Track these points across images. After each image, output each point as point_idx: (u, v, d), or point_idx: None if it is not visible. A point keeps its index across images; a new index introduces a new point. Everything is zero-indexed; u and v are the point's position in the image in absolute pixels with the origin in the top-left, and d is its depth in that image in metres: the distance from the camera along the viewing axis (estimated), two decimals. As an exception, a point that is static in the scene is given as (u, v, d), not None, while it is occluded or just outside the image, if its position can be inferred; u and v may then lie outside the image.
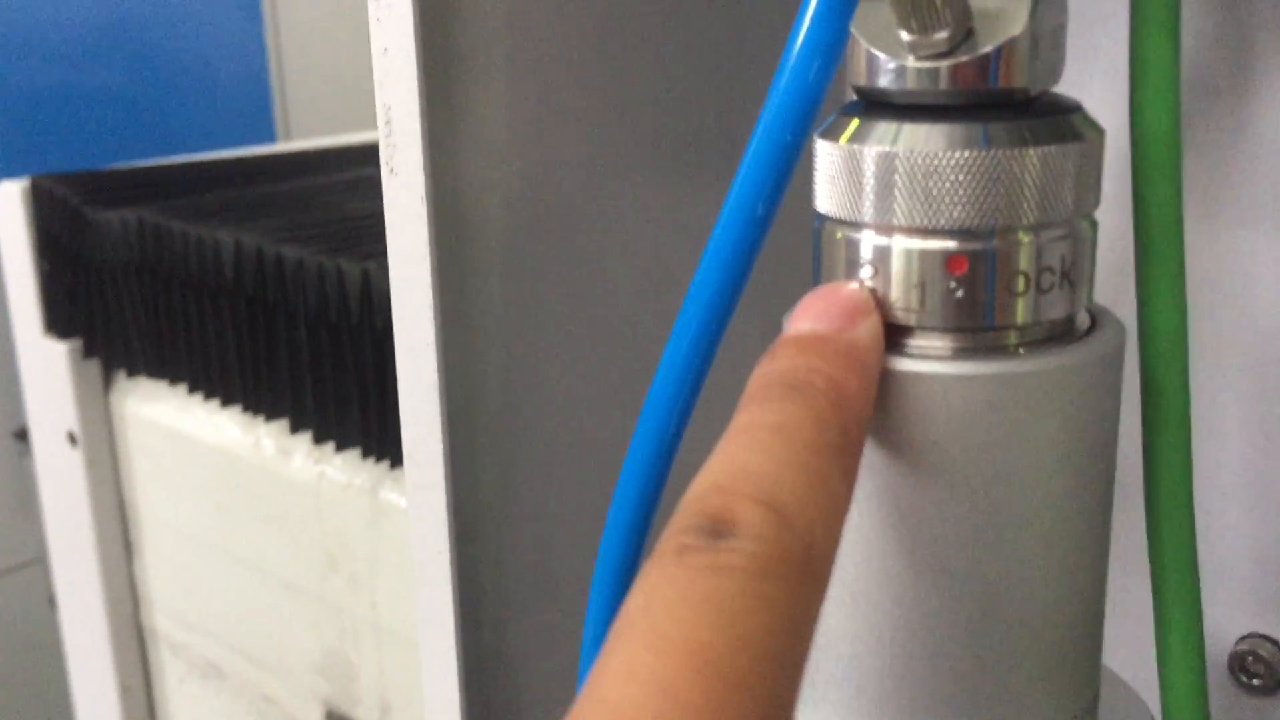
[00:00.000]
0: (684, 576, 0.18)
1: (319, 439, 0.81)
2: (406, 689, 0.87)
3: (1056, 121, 0.22)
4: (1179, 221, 0.24)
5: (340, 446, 0.81)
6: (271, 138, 1.29)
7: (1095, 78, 0.29)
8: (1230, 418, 0.30)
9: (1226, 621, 0.31)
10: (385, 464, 0.80)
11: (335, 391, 0.79)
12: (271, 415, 0.84)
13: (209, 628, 0.97)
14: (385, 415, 0.79)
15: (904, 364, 0.22)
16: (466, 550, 0.40)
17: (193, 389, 0.90)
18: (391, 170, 0.35)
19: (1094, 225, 0.23)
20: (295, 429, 0.83)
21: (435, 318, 0.35)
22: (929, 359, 0.22)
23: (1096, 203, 0.23)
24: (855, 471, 0.22)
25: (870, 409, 0.23)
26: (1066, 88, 0.24)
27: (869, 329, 0.23)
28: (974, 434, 0.22)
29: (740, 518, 0.19)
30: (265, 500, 0.88)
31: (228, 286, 0.83)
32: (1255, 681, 0.31)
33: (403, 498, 0.78)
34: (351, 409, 0.79)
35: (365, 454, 0.80)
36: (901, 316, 0.23)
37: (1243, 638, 0.31)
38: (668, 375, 0.30)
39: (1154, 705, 0.27)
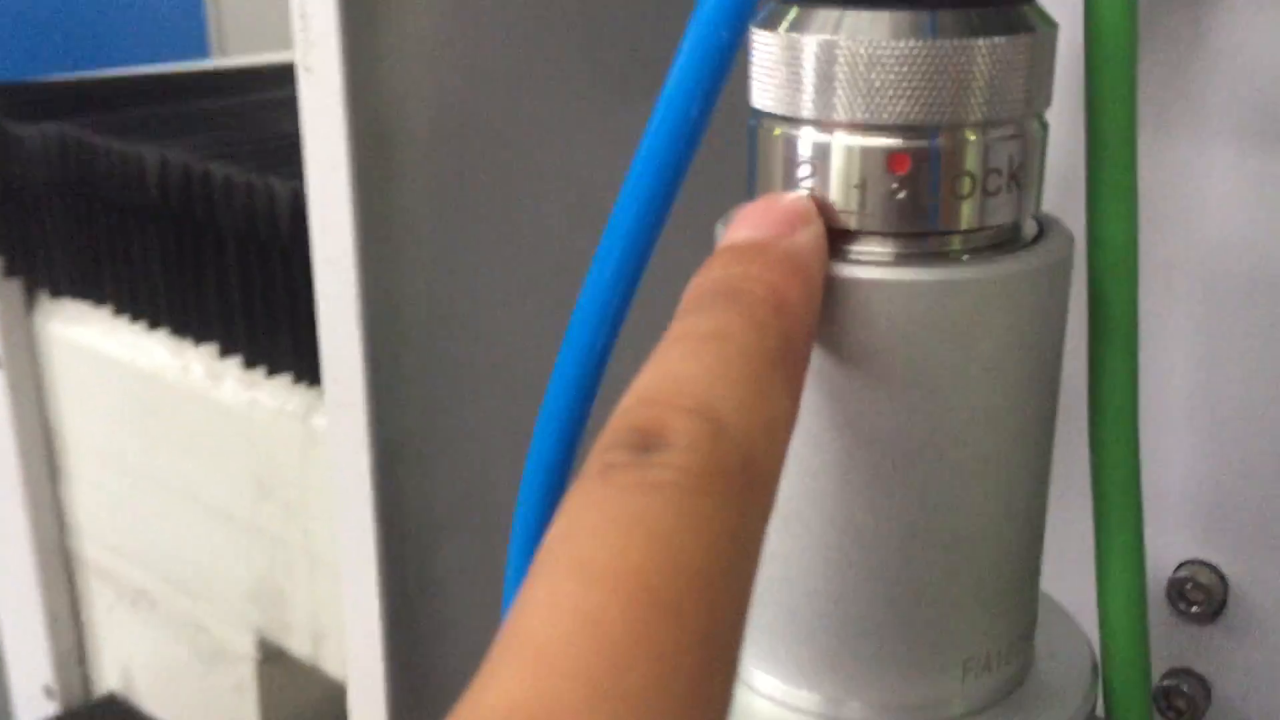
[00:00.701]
0: (610, 497, 0.17)
1: (250, 363, 0.79)
2: (340, 617, 0.85)
3: (1007, 12, 0.21)
4: (1132, 123, 0.23)
5: (272, 371, 0.79)
6: (205, 53, 1.25)
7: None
8: (1177, 339, 0.29)
9: (1166, 547, 0.30)
10: (317, 389, 0.78)
11: (266, 315, 0.77)
12: (200, 339, 0.82)
13: (138, 555, 0.95)
14: (318, 340, 0.77)
15: (842, 269, 0.21)
16: (391, 472, 0.38)
17: (119, 311, 0.87)
18: (307, 68, 0.33)
19: (1045, 126, 0.22)
20: (225, 353, 0.81)
21: (354, 226, 0.33)
22: (869, 264, 0.21)
23: (1048, 101, 0.22)
24: (800, 384, 0.20)
25: (814, 320, 0.21)
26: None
27: (811, 235, 0.21)
28: (914, 344, 0.21)
29: (670, 429, 0.17)
30: (195, 426, 0.86)
31: (153, 205, 0.80)
32: (1194, 609, 0.30)
33: (336, 424, 0.76)
34: (283, 333, 0.77)
35: (297, 379, 0.78)
36: (841, 219, 0.21)
37: (1182, 564, 0.30)
38: (596, 287, 0.28)
39: (1093, 632, 0.26)
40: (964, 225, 0.21)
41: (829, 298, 0.21)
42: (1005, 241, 0.22)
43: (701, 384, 0.18)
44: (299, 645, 0.86)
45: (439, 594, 0.41)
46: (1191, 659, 0.31)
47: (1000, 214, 0.21)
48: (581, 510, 0.17)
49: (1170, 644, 0.31)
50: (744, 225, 0.22)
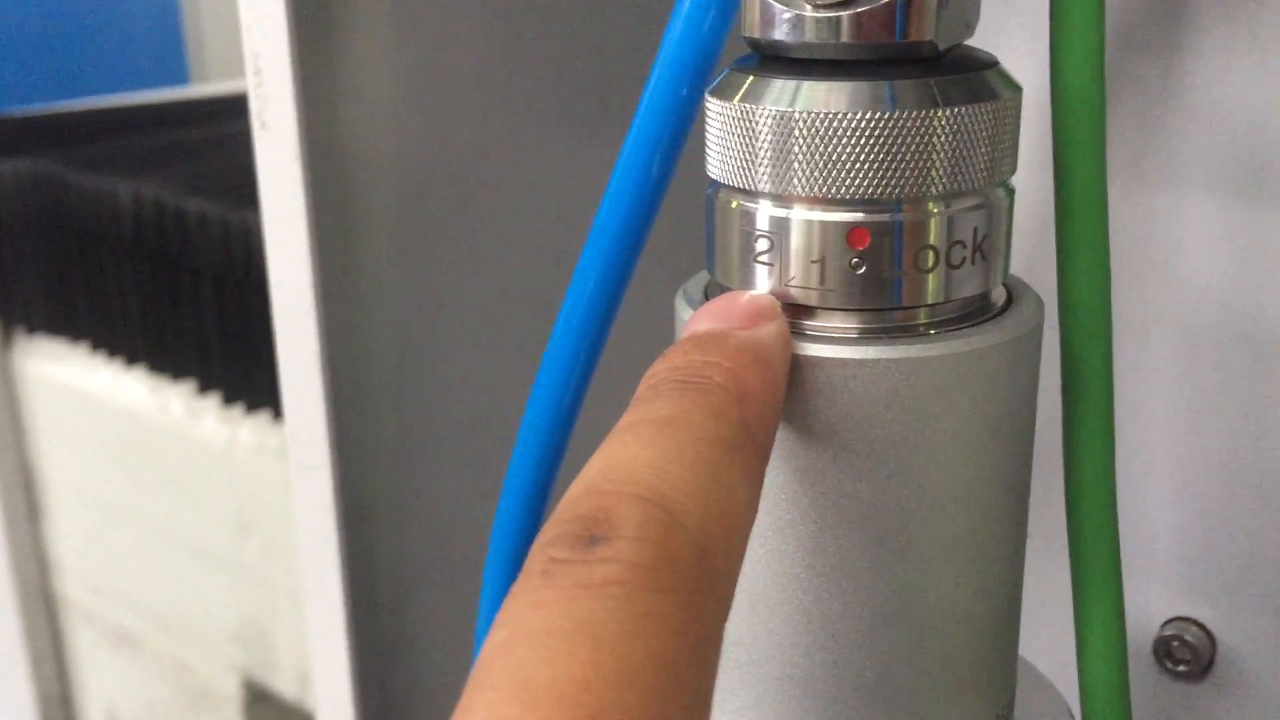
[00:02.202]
0: (552, 600, 0.15)
1: (228, 400, 0.78)
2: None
3: (969, 79, 0.20)
4: (1102, 185, 0.22)
5: (251, 408, 0.78)
6: (184, 79, 1.24)
7: (1018, 31, 0.26)
8: (1156, 394, 0.28)
9: (1151, 606, 0.30)
10: (297, 426, 0.77)
11: (244, 351, 0.76)
12: (178, 375, 0.81)
13: (120, 594, 0.94)
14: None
15: (805, 347, 0.20)
16: (360, 532, 0.37)
17: (95, 348, 0.86)
18: (263, 125, 0.32)
19: (1010, 193, 0.21)
20: (203, 390, 0.80)
21: (314, 286, 0.33)
22: (830, 342, 0.20)
23: (1013, 168, 0.21)
24: (761, 474, 0.19)
25: (777, 413, 0.20)
26: (985, 42, 0.22)
27: (773, 329, 0.20)
28: (880, 423, 0.20)
29: (618, 518, 0.16)
30: (174, 464, 0.85)
31: (128, 241, 0.79)
32: (1181, 668, 0.29)
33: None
34: (261, 369, 0.76)
35: (276, 415, 0.77)
36: (800, 295, 0.21)
37: (1168, 621, 0.29)
38: (560, 347, 0.28)
39: (1072, 697, 0.25)
40: (929, 299, 0.21)
41: (793, 377, 0.20)
42: (973, 313, 0.21)
43: (653, 470, 0.17)
44: (284, 685, 0.85)
45: (412, 650, 0.40)
46: (1181, 719, 0.30)
47: (966, 286, 0.21)
48: (522, 615, 0.15)
49: (1159, 703, 0.30)
50: (704, 318, 0.20)
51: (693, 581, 0.16)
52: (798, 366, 0.20)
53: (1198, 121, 0.26)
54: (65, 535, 0.97)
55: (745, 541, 0.18)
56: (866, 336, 0.20)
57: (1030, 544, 0.26)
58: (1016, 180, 0.22)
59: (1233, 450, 0.28)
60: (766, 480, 0.21)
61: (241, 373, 0.77)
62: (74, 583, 0.98)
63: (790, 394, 0.20)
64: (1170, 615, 0.30)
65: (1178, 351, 0.28)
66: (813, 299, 0.21)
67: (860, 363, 0.20)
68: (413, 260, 0.35)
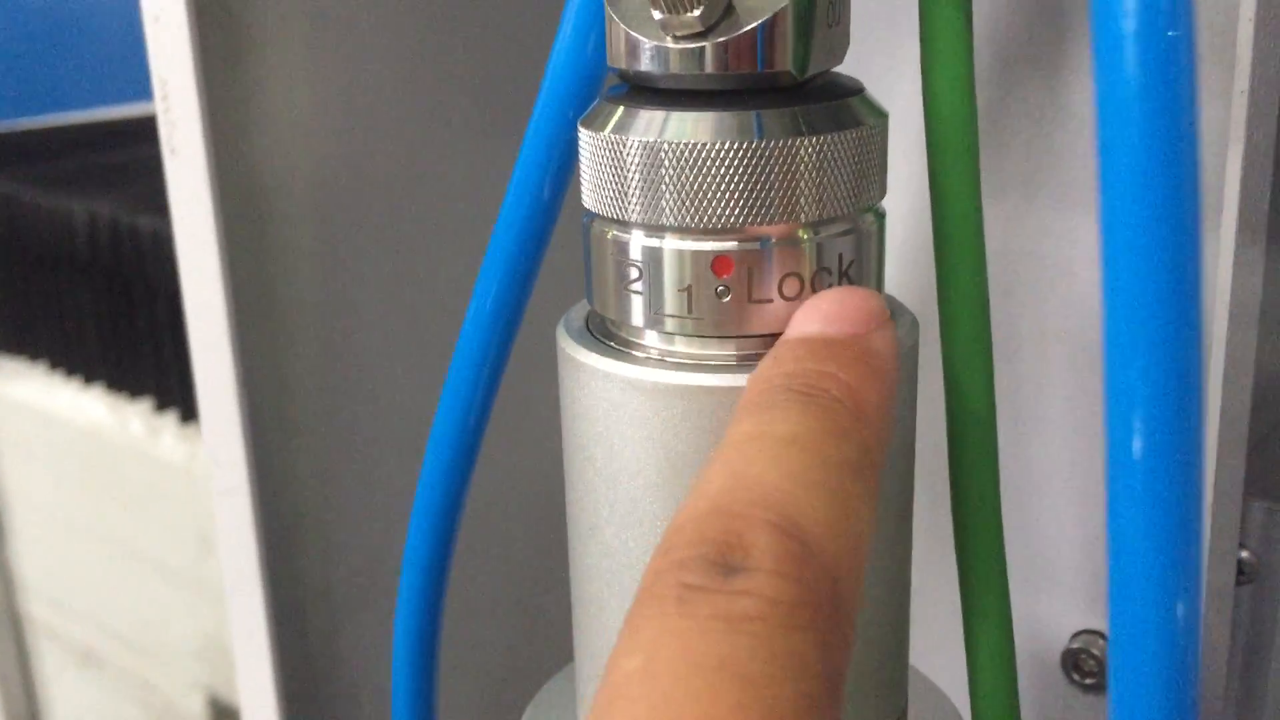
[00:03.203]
0: (690, 630, 0.15)
1: (186, 417, 0.78)
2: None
3: (834, 107, 0.20)
4: (976, 206, 0.22)
5: (207, 426, 0.78)
6: (148, 96, 1.23)
7: (907, 58, 0.27)
8: (1056, 408, 0.29)
9: (1059, 618, 0.30)
10: (255, 443, 0.77)
11: (199, 369, 0.76)
12: (136, 393, 0.81)
13: (85, 613, 0.93)
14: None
15: (675, 377, 0.20)
16: (286, 555, 0.37)
17: (53, 366, 0.86)
18: (172, 150, 0.32)
19: (880, 217, 0.22)
20: (161, 407, 0.80)
21: (229, 308, 0.33)
22: (702, 370, 0.20)
23: (881, 193, 0.21)
24: (876, 498, 0.18)
25: (892, 430, 0.19)
26: (874, 66, 0.22)
27: (887, 336, 0.19)
28: (751, 449, 0.20)
29: (753, 545, 0.15)
30: (135, 482, 0.84)
31: (83, 259, 0.79)
32: (1089, 680, 0.29)
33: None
34: (217, 387, 0.76)
35: (233, 433, 0.76)
36: (672, 325, 0.21)
37: (1075, 634, 0.30)
38: (460, 367, 0.28)
39: (964, 707, 0.25)
40: (797, 325, 0.21)
41: (663, 404, 0.21)
42: (846, 338, 0.21)
43: (783, 494, 0.16)
44: (249, 700, 0.85)
45: (345, 671, 0.40)
46: (1090, 729, 0.30)
47: (837, 311, 0.21)
48: (659, 642, 0.15)
49: (1069, 715, 0.30)
50: (813, 317, 0.19)
51: (828, 620, 0.16)
52: (671, 395, 0.21)
53: (1085, 139, 0.26)
54: (29, 554, 0.97)
55: (865, 566, 0.17)
56: (741, 362, 0.21)
57: (922, 557, 0.26)
58: (914, 201, 0.22)
59: (1132, 463, 0.28)
60: (641, 509, 0.21)
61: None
62: (39, 602, 0.98)
63: (662, 423, 0.21)
64: (1078, 628, 0.30)
65: (1075, 365, 0.28)
66: (687, 328, 0.21)
67: (731, 390, 0.20)
68: (332, 280, 0.36)
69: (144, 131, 1.03)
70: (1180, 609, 0.18)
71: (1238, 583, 0.30)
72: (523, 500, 0.41)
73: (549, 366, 0.34)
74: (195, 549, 0.83)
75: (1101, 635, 0.30)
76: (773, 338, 0.21)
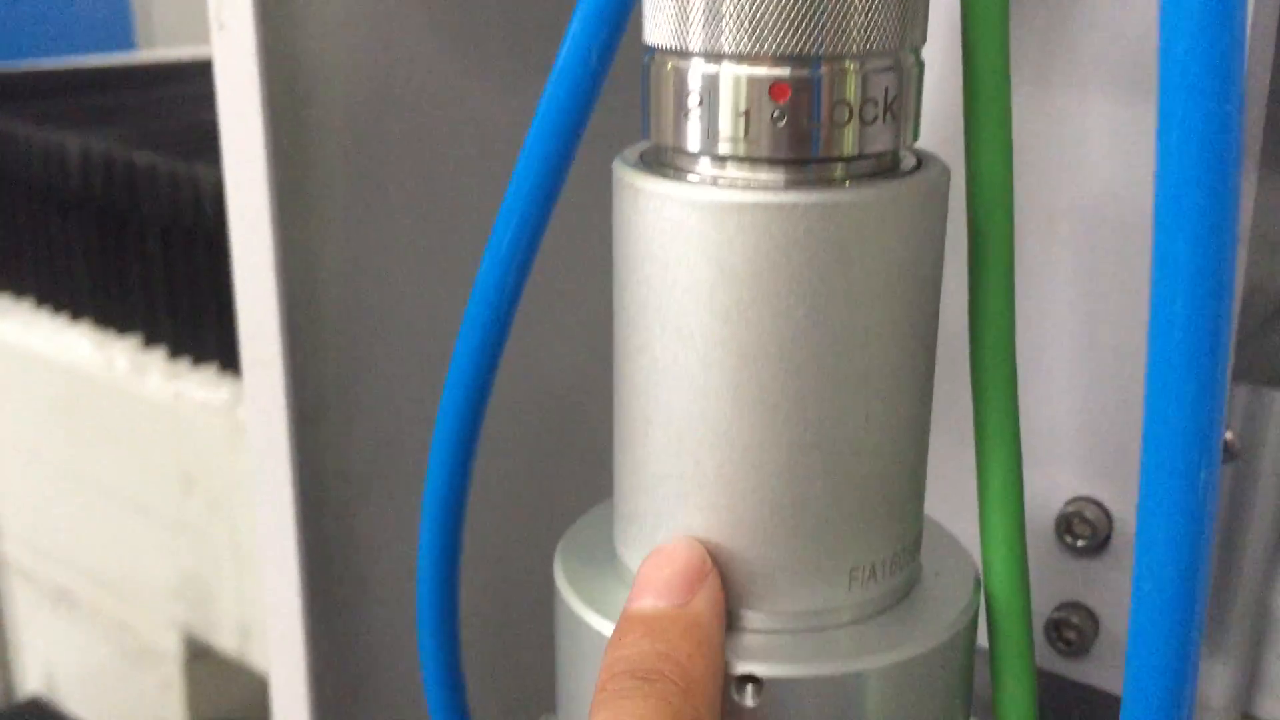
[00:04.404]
0: None
1: (174, 353, 0.79)
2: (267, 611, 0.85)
3: (885, -53, 0.22)
4: (1005, 64, 0.24)
5: (197, 361, 0.79)
6: (131, 46, 1.23)
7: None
8: (1061, 284, 0.31)
9: (1054, 485, 0.32)
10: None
11: (190, 304, 0.77)
12: (124, 329, 0.81)
13: (61, 554, 0.94)
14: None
15: (728, 195, 0.22)
16: (308, 433, 0.38)
17: (40, 302, 0.86)
18: (221, 25, 0.33)
19: (920, 63, 0.23)
20: (149, 343, 0.80)
21: (269, 184, 0.34)
22: (753, 189, 0.22)
23: (923, 38, 0.23)
24: None
25: (720, 686, 0.23)
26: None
27: (708, 597, 0.23)
28: (799, 264, 0.22)
29: None
30: (119, 421, 0.85)
31: (76, 194, 0.79)
32: (1080, 542, 0.31)
33: (262, 414, 0.76)
34: (208, 322, 0.77)
35: (223, 368, 0.77)
36: (728, 147, 0.22)
37: (1069, 501, 0.32)
38: (498, 245, 0.29)
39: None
40: (844, 152, 0.22)
41: (716, 222, 0.22)
42: (884, 170, 0.23)
43: None
44: (225, 642, 0.86)
45: (357, 552, 0.41)
46: (1080, 592, 0.32)
47: (878, 142, 0.23)
48: None
49: (1060, 578, 0.32)
50: (648, 591, 0.23)
51: None
52: (721, 213, 0.22)
53: (1096, 28, 0.28)
54: (5, 494, 0.97)
55: None
56: (789, 185, 0.22)
57: (937, 430, 0.28)
58: (943, 69, 0.24)
59: (1130, 336, 0.30)
60: (691, 321, 0.23)
61: (188, 325, 0.78)
62: (13, 542, 0.98)
63: (716, 239, 0.22)
64: (1071, 495, 0.32)
65: (1081, 244, 0.30)
66: (740, 150, 0.22)
67: (781, 207, 0.22)
68: (365, 167, 0.37)
69: (129, 80, 1.03)
70: (1203, 474, 0.21)
71: (1221, 461, 0.32)
72: (545, 395, 0.43)
73: (576, 263, 0.36)
74: (177, 488, 0.84)
75: (1094, 501, 0.32)
76: (818, 163, 0.22)
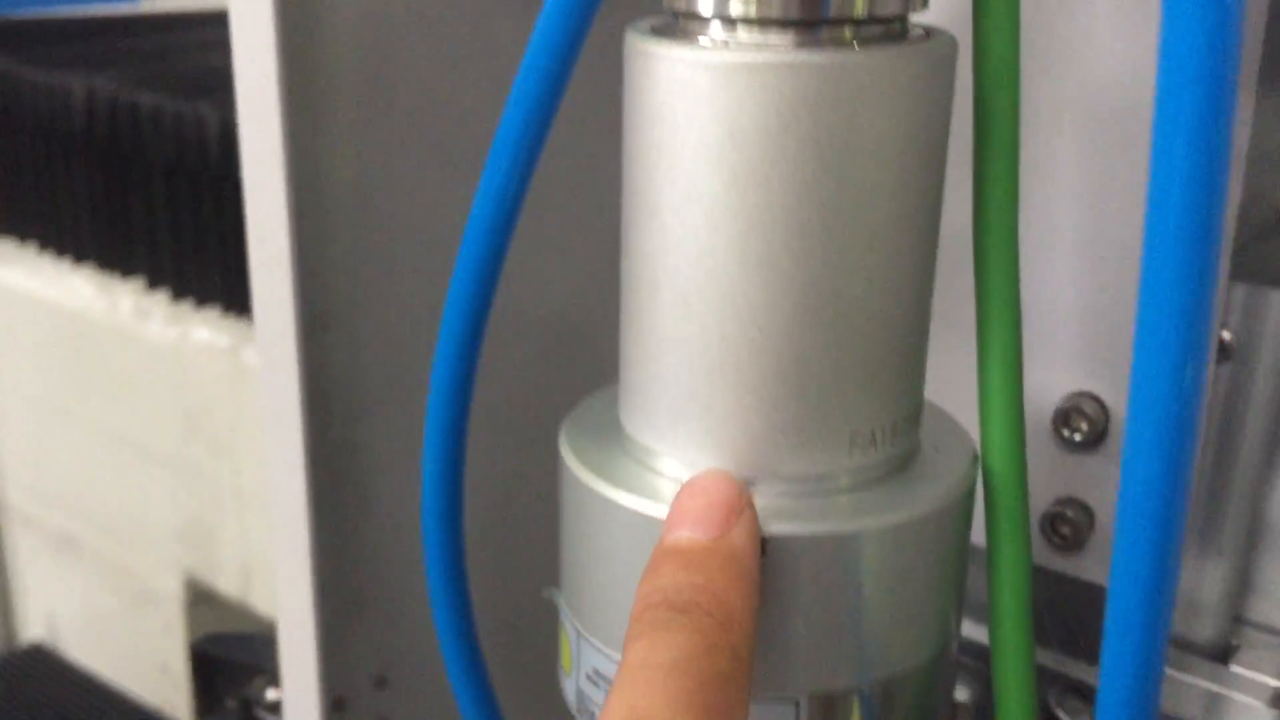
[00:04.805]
0: None
1: (177, 295, 0.79)
2: (269, 554, 0.86)
3: None
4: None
5: (200, 303, 0.79)
6: None
7: None
8: (1065, 176, 0.31)
9: (1052, 380, 0.32)
10: (247, 320, 0.78)
11: (194, 245, 0.77)
12: (127, 272, 0.82)
13: (63, 500, 0.94)
14: (247, 269, 0.77)
15: (739, 56, 0.22)
16: (316, 340, 0.39)
17: (44, 246, 0.86)
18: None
19: None
20: (153, 285, 0.81)
21: (280, 92, 0.34)
22: (763, 50, 0.22)
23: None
24: (749, 690, 0.22)
25: (757, 619, 0.23)
26: None
27: (746, 530, 0.23)
28: (805, 125, 0.22)
29: None
30: (123, 365, 0.85)
31: (80, 136, 0.79)
32: (1077, 437, 0.32)
33: (265, 356, 0.76)
34: (212, 263, 0.77)
35: (227, 309, 0.78)
36: (740, 9, 0.23)
37: (1068, 395, 0.32)
38: (500, 154, 0.29)
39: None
40: (855, 14, 0.23)
41: (727, 83, 0.23)
42: (894, 36, 0.24)
43: None
44: (227, 584, 0.86)
45: (363, 459, 0.42)
46: (1077, 488, 0.33)
47: (887, 6, 0.23)
48: None
49: (1057, 474, 0.33)
50: (685, 523, 0.23)
51: None
52: (735, 72, 0.22)
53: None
54: (8, 441, 0.97)
55: None
56: (798, 46, 0.23)
57: (942, 327, 0.28)
58: None
59: (1133, 230, 0.30)
60: (700, 183, 0.23)
61: (192, 267, 0.78)
62: (15, 489, 0.98)
63: (726, 99, 0.23)
64: (1070, 390, 0.32)
65: (1085, 137, 0.30)
66: (751, 11, 0.23)
67: (790, 67, 0.22)
68: (374, 77, 0.37)
69: (129, 28, 1.03)
70: (1189, 371, 0.21)
71: (1218, 360, 0.33)
72: (549, 312, 0.43)
73: (581, 182, 0.36)
74: (181, 432, 0.84)
75: (1091, 396, 0.32)
76: (828, 25, 0.23)
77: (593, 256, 0.45)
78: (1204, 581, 0.35)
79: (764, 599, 0.24)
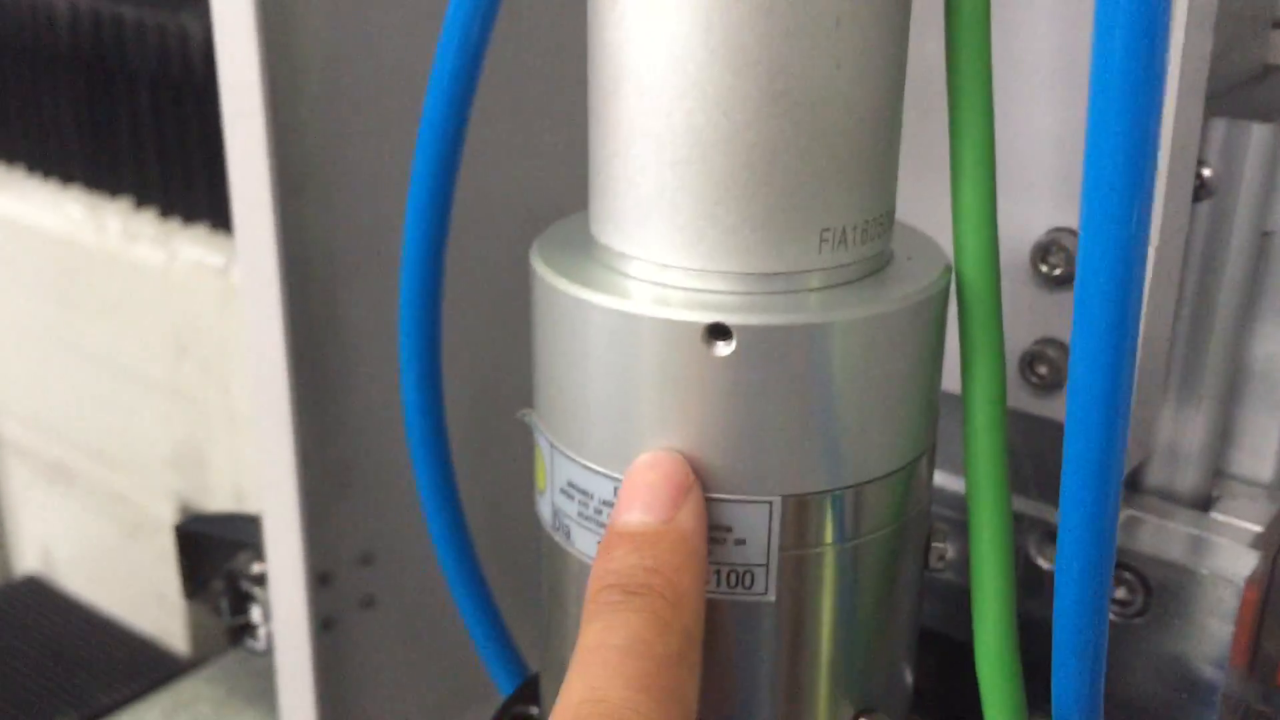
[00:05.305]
0: None
1: (165, 213, 0.79)
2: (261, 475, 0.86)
3: None
4: None
5: (188, 219, 0.79)
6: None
7: None
8: (1040, 4, 0.31)
9: (1031, 216, 0.32)
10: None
11: (182, 160, 0.77)
12: (115, 191, 0.81)
13: (55, 427, 0.94)
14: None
15: None
16: (291, 205, 0.39)
17: (31, 169, 0.86)
18: None
19: None
20: (141, 204, 0.80)
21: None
22: None
23: None
24: (699, 666, 0.24)
25: (704, 598, 0.24)
26: None
27: (693, 511, 0.24)
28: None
29: None
30: (111, 288, 0.85)
31: (64, 53, 0.79)
32: (1056, 271, 0.32)
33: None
34: (199, 179, 0.76)
35: (215, 226, 0.77)
36: None
37: (1047, 231, 0.32)
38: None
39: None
40: None
41: None
42: None
43: (625, 703, 0.22)
44: (221, 508, 0.86)
45: (342, 330, 0.41)
46: (1054, 327, 0.33)
47: None
48: None
49: (1034, 314, 0.33)
50: (635, 505, 0.24)
51: None
52: None
53: None
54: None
55: None
56: None
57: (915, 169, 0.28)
58: None
59: (1107, 58, 0.30)
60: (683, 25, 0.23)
61: (179, 183, 0.78)
62: (6, 418, 0.98)
63: None
64: (1047, 226, 0.32)
65: (1059, -38, 0.30)
66: None
67: None
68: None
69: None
70: (1137, 209, 0.22)
71: (1196, 198, 0.33)
72: (522, 209, 0.43)
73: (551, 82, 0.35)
74: (171, 355, 0.84)
75: (1071, 231, 0.32)
76: None
77: (560, 153, 0.45)
78: (1184, 431, 0.35)
79: (737, 394, 0.24)
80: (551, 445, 0.26)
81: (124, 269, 0.83)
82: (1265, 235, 0.33)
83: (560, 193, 0.42)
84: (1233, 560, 0.32)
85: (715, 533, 0.25)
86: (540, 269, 0.26)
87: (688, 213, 0.24)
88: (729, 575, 0.25)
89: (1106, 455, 0.23)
